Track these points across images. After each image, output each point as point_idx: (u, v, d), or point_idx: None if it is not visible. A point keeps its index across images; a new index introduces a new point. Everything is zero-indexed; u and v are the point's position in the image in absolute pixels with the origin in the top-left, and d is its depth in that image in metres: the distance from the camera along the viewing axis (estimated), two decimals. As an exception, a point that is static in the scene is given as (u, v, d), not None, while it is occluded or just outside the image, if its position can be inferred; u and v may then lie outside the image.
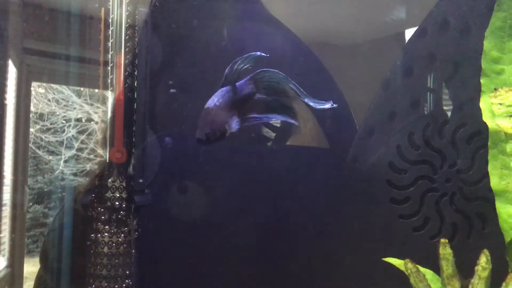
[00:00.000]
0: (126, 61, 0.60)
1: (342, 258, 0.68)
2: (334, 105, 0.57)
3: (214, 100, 0.57)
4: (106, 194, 0.60)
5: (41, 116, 1.12)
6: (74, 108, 1.22)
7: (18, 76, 0.77)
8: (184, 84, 0.69)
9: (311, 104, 0.58)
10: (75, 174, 0.93)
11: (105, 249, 0.59)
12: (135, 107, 0.61)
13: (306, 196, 0.69)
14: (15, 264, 0.76)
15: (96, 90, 1.06)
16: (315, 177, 0.69)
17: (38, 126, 1.11)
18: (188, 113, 0.68)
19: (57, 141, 1.18)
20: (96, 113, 1.18)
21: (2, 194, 0.68)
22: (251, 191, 0.67)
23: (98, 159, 0.87)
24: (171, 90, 0.68)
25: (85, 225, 0.61)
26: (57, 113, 1.21)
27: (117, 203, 0.60)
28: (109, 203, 0.59)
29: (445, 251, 0.52)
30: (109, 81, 0.61)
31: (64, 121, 1.20)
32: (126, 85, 0.60)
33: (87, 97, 1.20)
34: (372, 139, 0.68)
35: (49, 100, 1.21)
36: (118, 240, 0.59)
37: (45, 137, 1.16)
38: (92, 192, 0.61)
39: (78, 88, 1.18)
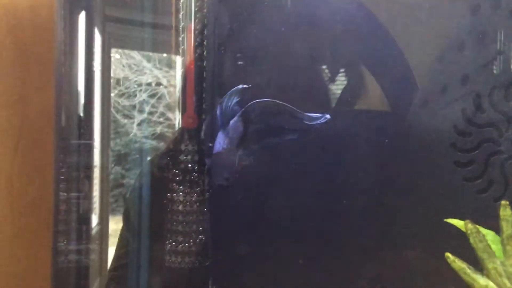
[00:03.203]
0: (196, 32, 0.63)
1: (405, 220, 0.69)
2: (327, 117, 0.57)
3: (220, 144, 0.58)
4: (180, 157, 0.64)
5: (117, 81, 1.17)
6: (145, 73, 1.26)
7: (102, 43, 0.82)
8: (252, 54, 0.71)
9: (306, 121, 0.58)
10: (146, 137, 0.98)
11: (180, 207, 0.64)
12: (205, 75, 0.65)
13: (369, 159, 0.70)
14: (103, 222, 0.83)
15: (165, 55, 1.09)
16: (377, 141, 0.70)
17: (116, 91, 1.16)
18: (255, 83, 0.70)
19: (130, 105, 1.22)
20: (165, 77, 1.22)
21: (93, 156, 0.75)
22: (314, 156, 0.69)
23: (168, 122, 0.92)
24: (239, 62, 0.71)
25: (161, 185, 0.66)
26: (130, 78, 1.25)
27: (190, 165, 0.64)
28: (182, 165, 0.64)
29: (506, 212, 0.53)
30: (180, 50, 0.64)
31: (136, 86, 1.24)
32: (197, 55, 0.64)
33: (156, 61, 1.24)
34: (436, 102, 0.69)
35: (123, 66, 1.26)
36: (192, 199, 0.64)
37: (121, 101, 1.21)
38: (167, 155, 0.66)
39: (148, 53, 1.21)
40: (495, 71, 0.68)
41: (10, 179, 0.66)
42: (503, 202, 0.54)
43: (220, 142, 0.59)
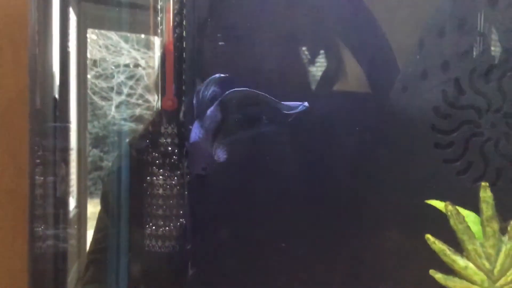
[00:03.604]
0: (175, 12, 0.62)
1: (385, 201, 0.69)
2: (306, 105, 0.56)
3: (195, 134, 0.57)
4: (160, 140, 0.63)
5: (94, 63, 1.15)
6: (122, 54, 1.24)
7: (77, 23, 0.80)
8: (232, 34, 0.70)
9: (284, 111, 0.57)
10: (125, 119, 0.96)
11: (160, 191, 0.63)
12: (184, 56, 0.64)
13: (348, 141, 0.70)
14: (81, 205, 0.82)
15: (143, 36, 1.07)
16: (358, 122, 0.70)
17: (93, 73, 1.14)
18: (236, 64, 0.70)
19: (108, 86, 1.21)
20: (143, 58, 1.20)
21: (69, 139, 0.73)
22: (293, 138, 0.68)
23: (147, 104, 0.91)
24: (219, 43, 0.70)
25: (140, 168, 0.65)
26: (107, 59, 1.23)
27: (169, 148, 0.63)
28: (162, 149, 0.63)
29: (486, 194, 0.54)
30: (159, 31, 0.63)
31: (113, 67, 1.22)
32: (176, 36, 0.63)
33: (134, 42, 1.22)
34: (416, 84, 0.69)
35: (99, 47, 1.23)
36: (172, 182, 0.63)
37: (98, 83, 1.19)
38: (146, 138, 0.65)
39: (125, 33, 1.19)
40: (475, 53, 0.68)
41: (-15, 165, 0.64)
42: (483, 183, 0.54)
43: (197, 132, 0.58)
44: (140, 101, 1.10)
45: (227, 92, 0.59)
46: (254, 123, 0.60)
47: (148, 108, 0.89)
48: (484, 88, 0.67)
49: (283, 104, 0.59)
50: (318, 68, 0.76)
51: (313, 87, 0.77)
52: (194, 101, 0.59)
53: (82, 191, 0.83)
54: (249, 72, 0.69)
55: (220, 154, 0.59)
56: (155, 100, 0.69)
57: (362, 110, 0.72)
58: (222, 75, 0.59)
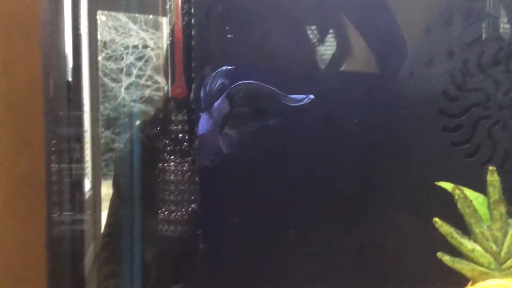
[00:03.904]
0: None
1: (393, 184, 0.70)
2: (311, 97, 0.57)
3: (203, 127, 0.57)
4: (170, 127, 0.64)
5: (104, 44, 1.16)
6: (131, 35, 1.24)
7: (88, 5, 0.81)
8: (241, 19, 0.70)
9: (290, 103, 0.57)
10: (134, 101, 0.97)
11: (172, 177, 0.65)
12: (193, 44, 0.64)
13: (357, 124, 0.70)
14: (95, 187, 0.83)
15: (151, 16, 1.07)
16: (366, 105, 0.70)
17: (103, 54, 1.14)
18: (245, 50, 0.70)
19: (117, 68, 1.21)
20: (151, 39, 1.20)
21: (83, 121, 0.74)
22: (303, 118, 0.68)
23: (156, 85, 0.92)
24: (227, 28, 0.70)
25: (152, 155, 0.66)
26: (116, 40, 1.23)
27: (180, 135, 0.64)
28: (173, 135, 0.64)
29: (493, 178, 0.54)
30: (167, 10, 0.63)
31: (122, 48, 1.23)
32: (184, 23, 0.63)
33: (142, 23, 1.22)
34: (424, 66, 0.69)
35: (109, 28, 1.23)
36: (183, 169, 0.65)
37: (108, 64, 1.20)
38: (157, 125, 0.66)
39: (134, 14, 1.19)
40: (484, 36, 0.68)
41: (0, 153, 0.65)
42: (490, 167, 0.55)
43: (204, 124, 0.59)
44: (149, 82, 1.10)
45: (233, 85, 0.59)
46: (261, 115, 0.61)
47: (157, 89, 0.90)
48: (492, 70, 0.67)
49: (288, 97, 0.60)
50: (327, 49, 0.77)
51: (322, 69, 0.77)
52: (202, 94, 0.60)
53: (97, 173, 0.84)
54: (258, 57, 0.69)
55: (228, 146, 0.60)
56: (164, 82, 0.70)
57: (371, 92, 0.72)
58: (229, 67, 0.60)
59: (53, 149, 0.67)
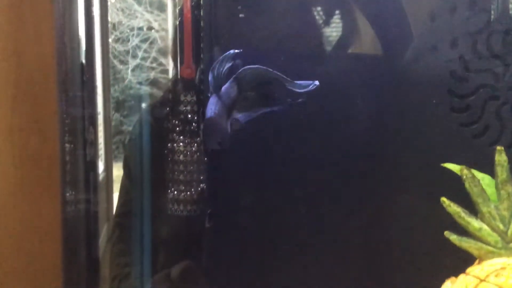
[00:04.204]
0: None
1: (401, 164, 0.70)
2: (316, 83, 0.57)
3: (211, 110, 0.57)
4: (179, 108, 0.65)
5: (113, 26, 1.15)
6: (136, 17, 1.24)
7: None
8: (251, 4, 0.70)
9: (296, 89, 0.57)
10: (140, 83, 0.97)
11: (181, 157, 0.65)
12: (202, 25, 0.64)
13: (365, 105, 0.70)
14: (108, 169, 0.84)
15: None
16: (374, 86, 0.70)
17: (112, 36, 1.14)
18: (253, 30, 0.69)
19: (124, 50, 1.21)
20: (156, 21, 1.20)
21: (96, 103, 0.75)
22: (310, 100, 0.68)
23: (161, 68, 0.92)
24: (238, 7, 0.69)
25: (161, 135, 0.67)
26: (123, 22, 1.23)
27: (189, 116, 0.64)
28: (182, 116, 0.64)
29: (501, 157, 0.54)
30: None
31: (128, 30, 1.22)
32: (193, 3, 0.63)
33: (147, 4, 1.21)
34: (432, 47, 0.69)
35: (117, 10, 1.23)
36: (192, 149, 0.65)
37: (116, 46, 1.19)
38: (166, 106, 0.66)
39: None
40: (493, 16, 0.67)
41: (11, 132, 0.66)
42: (498, 147, 0.55)
43: (212, 107, 0.59)
44: (154, 65, 1.10)
45: (241, 69, 0.60)
46: (268, 100, 0.61)
47: (162, 72, 0.90)
48: (501, 51, 0.67)
49: (294, 82, 0.60)
50: (333, 31, 0.76)
51: (329, 51, 0.77)
52: (210, 78, 0.60)
53: (109, 155, 0.85)
54: (266, 38, 0.69)
55: (236, 130, 0.60)
56: (169, 64, 0.70)
57: (378, 74, 0.72)
58: (236, 51, 0.60)
59: (66, 128, 0.68)
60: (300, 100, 0.61)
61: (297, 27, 0.72)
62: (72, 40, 0.71)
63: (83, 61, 0.73)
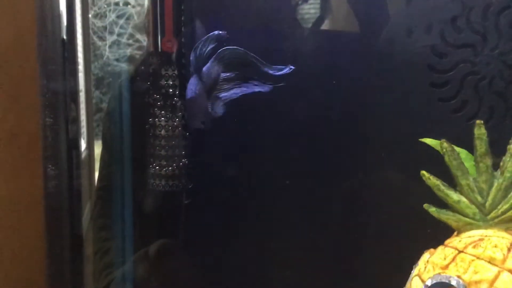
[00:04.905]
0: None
1: (380, 139, 0.71)
2: (292, 67, 0.57)
3: (192, 90, 0.58)
4: (160, 82, 0.64)
5: (93, 1, 1.12)
6: (113, -9, 1.21)
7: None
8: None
9: (270, 72, 0.58)
10: (117, 60, 0.96)
11: (163, 132, 0.65)
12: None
13: (343, 81, 0.70)
14: (90, 147, 0.83)
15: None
16: (354, 63, 0.71)
17: (92, 12, 1.12)
18: (238, 6, 0.69)
19: (102, 26, 1.19)
20: (132, -5, 1.17)
21: (78, 79, 0.74)
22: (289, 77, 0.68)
23: (137, 44, 0.91)
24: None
25: (142, 110, 0.66)
26: (100, -4, 1.20)
27: (170, 90, 0.64)
28: (163, 90, 0.64)
29: (480, 131, 0.55)
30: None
31: (105, 5, 1.20)
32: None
33: (123, -22, 1.18)
34: (412, 24, 0.69)
35: (95, -17, 1.20)
36: (174, 123, 0.65)
37: (95, 22, 1.17)
38: (146, 80, 0.65)
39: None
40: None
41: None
42: (478, 121, 0.56)
43: (193, 87, 0.59)
44: (130, 41, 1.09)
45: (220, 50, 0.60)
46: (248, 81, 0.61)
47: (138, 48, 0.89)
48: (480, 26, 0.67)
49: (270, 66, 0.60)
50: (310, 8, 0.76)
51: (307, 28, 0.77)
52: (192, 57, 0.60)
53: (91, 132, 0.84)
54: (246, 12, 0.69)
55: (217, 109, 0.61)
56: (145, 41, 0.69)
57: (358, 50, 0.72)
58: (220, 32, 0.60)
59: (47, 103, 0.66)
60: (281, 84, 0.62)
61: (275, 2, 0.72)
62: (52, 15, 0.69)
63: (64, 36, 0.71)
